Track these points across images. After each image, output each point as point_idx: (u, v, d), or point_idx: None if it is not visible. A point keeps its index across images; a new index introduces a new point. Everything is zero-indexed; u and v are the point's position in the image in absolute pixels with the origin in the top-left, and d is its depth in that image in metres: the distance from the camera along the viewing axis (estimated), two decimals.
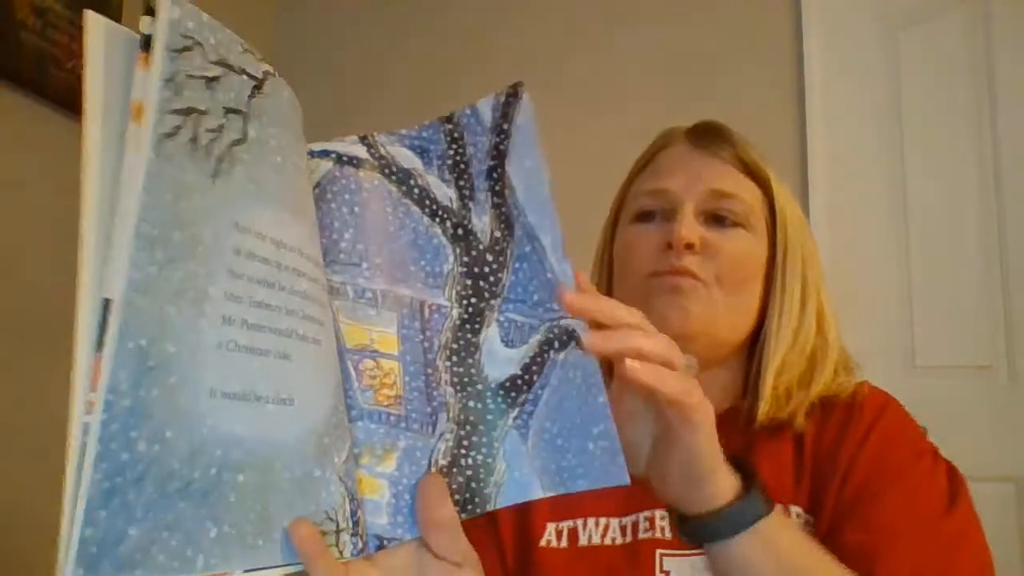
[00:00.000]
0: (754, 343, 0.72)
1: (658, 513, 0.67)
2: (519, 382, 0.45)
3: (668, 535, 0.66)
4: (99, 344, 0.29)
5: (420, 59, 1.98)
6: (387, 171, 0.45)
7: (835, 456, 0.66)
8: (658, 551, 0.65)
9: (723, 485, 0.50)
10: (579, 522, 0.69)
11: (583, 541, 0.68)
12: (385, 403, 0.43)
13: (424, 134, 0.46)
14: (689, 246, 0.67)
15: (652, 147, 0.77)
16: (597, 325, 0.47)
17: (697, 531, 0.51)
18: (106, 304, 0.30)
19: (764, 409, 0.67)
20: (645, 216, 0.72)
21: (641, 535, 0.67)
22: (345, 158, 0.45)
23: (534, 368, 0.45)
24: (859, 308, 1.62)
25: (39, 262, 1.28)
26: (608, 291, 0.75)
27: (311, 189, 0.41)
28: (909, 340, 1.60)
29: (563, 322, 0.46)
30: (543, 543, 0.68)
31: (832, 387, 0.70)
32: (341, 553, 0.39)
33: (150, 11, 0.32)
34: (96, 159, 0.30)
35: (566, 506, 0.69)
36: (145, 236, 0.31)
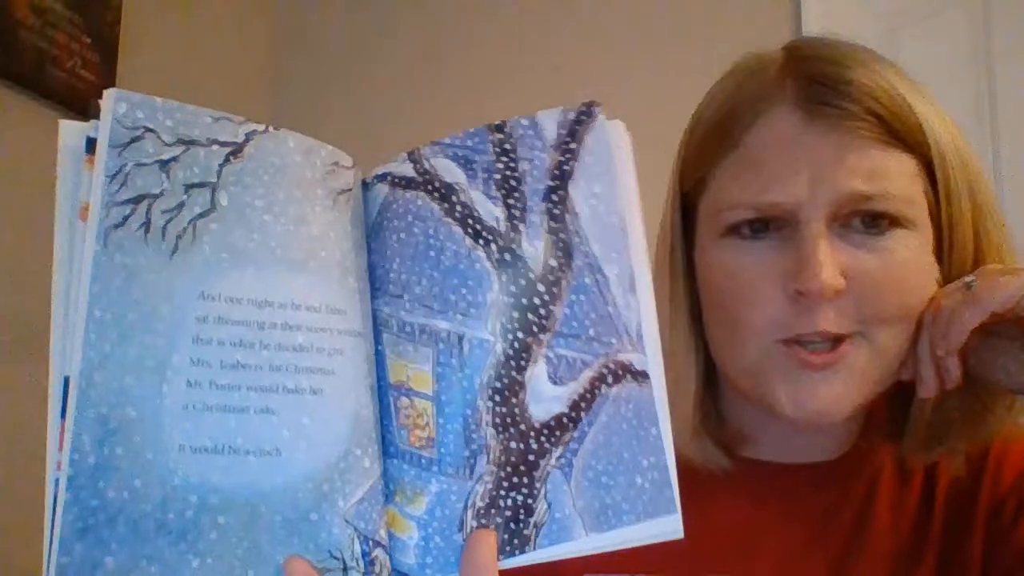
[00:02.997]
0: None
1: None
2: (565, 420, 0.42)
3: None
4: (63, 413, 0.35)
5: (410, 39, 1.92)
6: (430, 187, 0.43)
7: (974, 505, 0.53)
8: None
9: None
10: None
11: None
12: (417, 444, 0.42)
13: (469, 142, 0.43)
14: (836, 293, 0.48)
15: (736, 114, 0.53)
16: None
17: None
18: (66, 381, 0.35)
19: (912, 448, 0.54)
20: (742, 229, 0.52)
21: None
22: (397, 179, 0.44)
23: (582, 405, 0.42)
24: None
25: (38, 262, 1.28)
26: (692, 331, 0.57)
27: (331, 232, 0.41)
28: None
29: (620, 356, 0.41)
30: None
31: (1003, 431, 0.53)
32: None
33: (95, 114, 0.35)
34: (60, 256, 0.35)
35: (609, 556, 0.57)
36: (97, 320, 0.35)
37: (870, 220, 0.50)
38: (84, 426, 0.35)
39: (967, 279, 0.49)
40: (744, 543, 0.56)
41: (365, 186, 0.45)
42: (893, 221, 0.51)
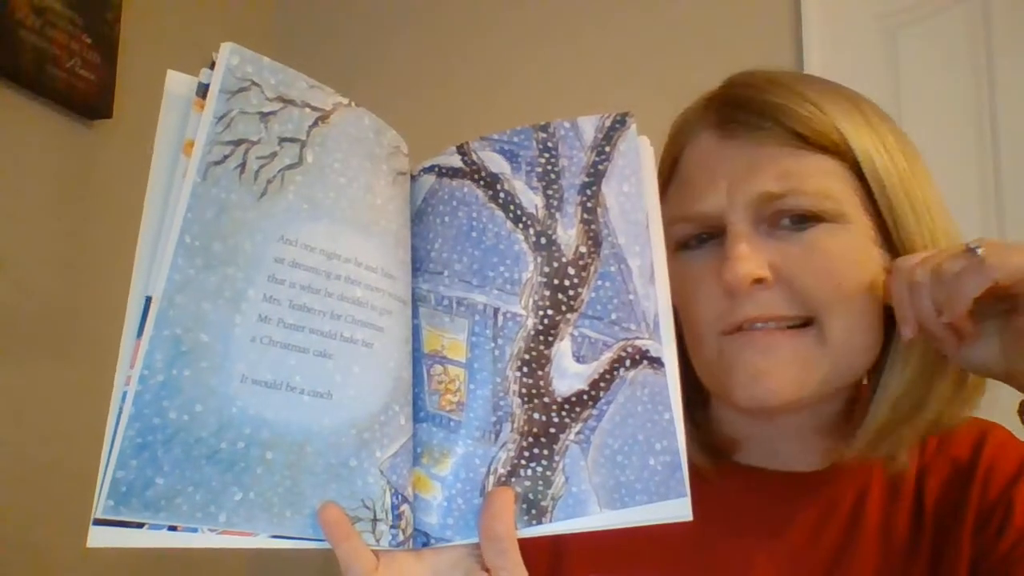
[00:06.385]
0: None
1: None
2: (585, 397, 0.46)
3: None
4: (140, 331, 0.37)
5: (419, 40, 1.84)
6: (476, 176, 0.48)
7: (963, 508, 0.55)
8: None
9: None
10: None
11: None
12: (447, 408, 0.45)
13: (515, 139, 0.48)
14: (758, 281, 0.53)
15: (672, 145, 0.61)
16: None
17: None
18: (148, 300, 0.37)
19: (857, 446, 0.55)
20: (689, 242, 0.58)
21: None
22: (444, 170, 0.48)
23: (602, 384, 0.46)
24: None
25: (38, 261, 1.29)
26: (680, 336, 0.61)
27: (390, 205, 0.45)
28: None
29: (638, 342, 0.46)
30: None
31: (945, 418, 0.56)
32: (378, 541, 0.42)
33: (212, 64, 0.39)
34: (155, 186, 0.38)
35: (613, 558, 0.59)
36: (186, 245, 0.38)
37: (797, 218, 0.55)
38: (159, 344, 0.37)
39: (971, 244, 0.48)
40: (732, 548, 0.59)
41: (411, 178, 0.49)
42: (815, 216, 0.55)
